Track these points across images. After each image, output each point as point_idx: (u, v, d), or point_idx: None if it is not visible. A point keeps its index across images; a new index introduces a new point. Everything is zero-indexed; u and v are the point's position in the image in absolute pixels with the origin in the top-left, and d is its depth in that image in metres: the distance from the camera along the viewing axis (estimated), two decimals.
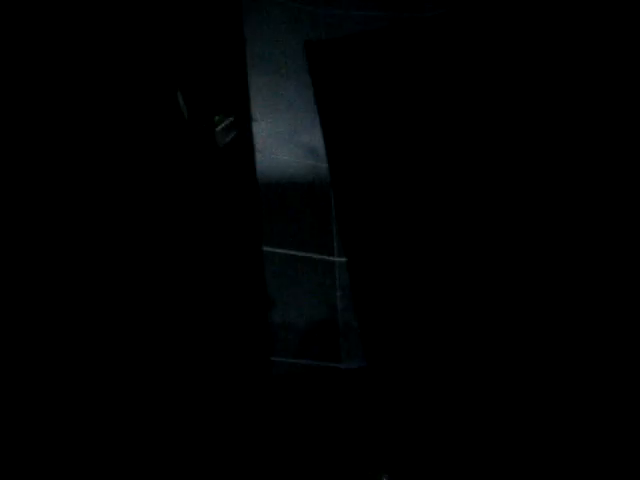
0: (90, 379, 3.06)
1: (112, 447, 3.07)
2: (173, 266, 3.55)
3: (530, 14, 4.28)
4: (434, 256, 3.91)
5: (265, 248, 3.99)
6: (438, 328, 3.78)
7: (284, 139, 4.11)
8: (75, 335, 3.07)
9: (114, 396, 3.12)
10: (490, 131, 4.11)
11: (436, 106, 4.18)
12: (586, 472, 3.51)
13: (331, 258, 4.08)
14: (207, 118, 3.89)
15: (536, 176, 4.00)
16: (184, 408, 3.37)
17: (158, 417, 3.25)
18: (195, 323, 3.57)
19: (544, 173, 4.01)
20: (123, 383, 3.16)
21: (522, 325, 3.75)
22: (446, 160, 4.07)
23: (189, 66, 3.91)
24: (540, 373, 3.66)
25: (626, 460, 3.51)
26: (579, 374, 3.66)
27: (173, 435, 3.30)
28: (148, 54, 3.70)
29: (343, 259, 4.03)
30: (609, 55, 4.17)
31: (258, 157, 4.11)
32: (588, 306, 3.75)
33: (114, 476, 3.07)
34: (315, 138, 4.16)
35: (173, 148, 3.72)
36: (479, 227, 3.94)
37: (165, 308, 3.46)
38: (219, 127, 3.81)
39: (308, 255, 4.06)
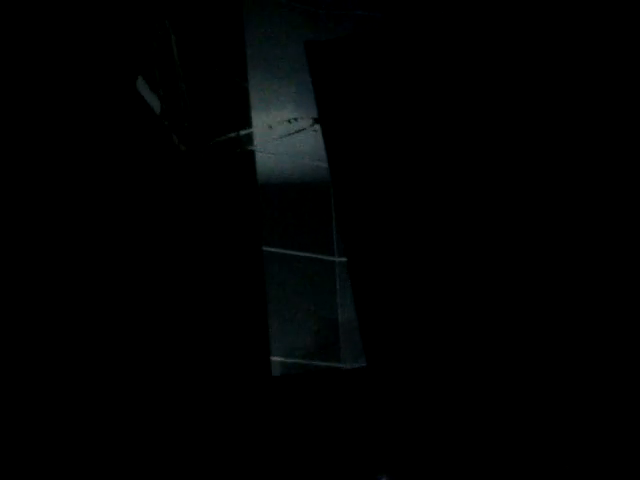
0: (88, 379, 3.06)
1: (111, 447, 3.07)
2: (172, 266, 3.55)
3: (528, 14, 4.28)
4: (435, 256, 3.91)
5: (265, 248, 3.99)
6: (439, 328, 3.78)
7: (284, 139, 4.11)
8: (74, 335, 3.06)
9: (112, 396, 3.12)
10: (490, 131, 4.10)
11: (437, 106, 4.17)
12: (586, 472, 3.51)
13: (331, 258, 4.08)
14: (207, 120, 3.90)
15: (536, 176, 4.00)
16: (183, 408, 3.37)
17: (157, 417, 3.25)
18: (195, 323, 3.57)
19: (543, 173, 4.00)
20: (122, 383, 3.16)
21: (523, 325, 3.75)
22: (447, 160, 4.07)
23: (189, 66, 3.91)
24: (541, 374, 3.66)
25: (626, 460, 3.50)
26: (580, 374, 3.65)
27: (172, 435, 3.30)
28: (147, 53, 3.70)
29: (343, 259, 4.03)
30: (607, 54, 4.16)
31: (258, 157, 4.11)
32: (589, 306, 3.75)
33: (114, 476, 3.07)
34: (315, 138, 4.16)
35: (172, 148, 3.72)
36: (480, 227, 3.93)
37: (165, 308, 3.46)
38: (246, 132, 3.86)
39: (308, 255, 4.06)
